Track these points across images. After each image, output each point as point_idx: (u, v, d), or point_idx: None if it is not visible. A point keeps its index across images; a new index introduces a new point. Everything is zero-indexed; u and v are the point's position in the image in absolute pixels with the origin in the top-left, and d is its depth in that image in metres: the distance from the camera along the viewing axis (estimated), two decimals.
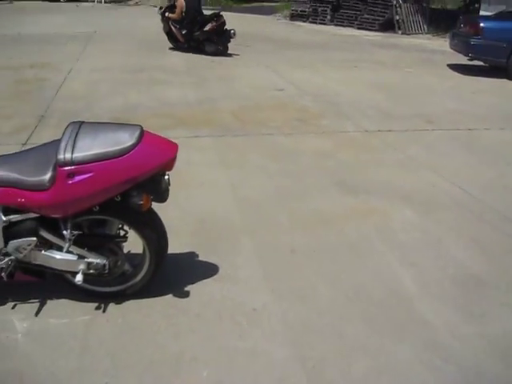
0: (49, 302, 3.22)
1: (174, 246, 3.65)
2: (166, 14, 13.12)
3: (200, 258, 3.72)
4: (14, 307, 3.17)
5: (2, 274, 2.94)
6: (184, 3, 12.77)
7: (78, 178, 2.65)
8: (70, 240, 2.88)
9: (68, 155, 2.64)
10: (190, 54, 12.60)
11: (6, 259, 2.94)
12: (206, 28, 12.61)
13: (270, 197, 4.74)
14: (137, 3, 32.19)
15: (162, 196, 2.93)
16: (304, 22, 21.64)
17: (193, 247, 3.83)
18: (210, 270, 3.58)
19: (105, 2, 32.35)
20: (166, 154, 2.83)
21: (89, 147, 2.67)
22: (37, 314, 3.11)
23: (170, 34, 13.44)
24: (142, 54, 12.56)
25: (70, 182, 2.66)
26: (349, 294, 3.39)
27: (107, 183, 2.69)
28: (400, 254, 3.87)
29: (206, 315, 3.14)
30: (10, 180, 2.77)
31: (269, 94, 8.68)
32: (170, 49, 13.33)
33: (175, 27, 12.99)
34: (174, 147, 2.88)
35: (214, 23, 12.60)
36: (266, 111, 7.56)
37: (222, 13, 13.34)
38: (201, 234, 4.10)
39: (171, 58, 12.02)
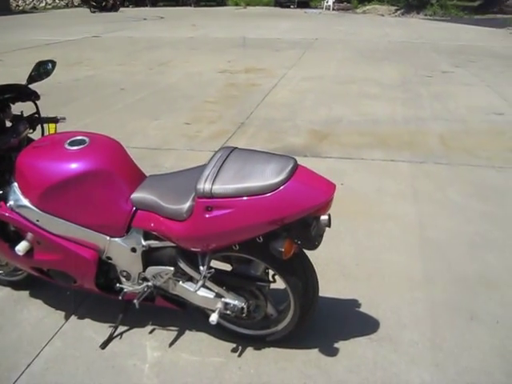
0: (187, 333, 3.04)
1: (338, 290, 3.35)
2: None
3: (361, 309, 3.26)
4: (151, 332, 3.06)
5: (136, 299, 2.81)
6: None
7: (215, 213, 2.35)
8: (205, 277, 2.62)
9: (208, 186, 2.34)
10: (404, 67, 11.94)
11: (144, 284, 2.82)
12: None
13: (460, 243, 4.07)
14: (364, 12, 31.99)
15: (311, 243, 2.46)
16: None
17: (359, 295, 3.39)
18: (368, 327, 3.10)
19: (333, 10, 32.60)
20: (320, 196, 2.34)
21: (231, 180, 2.34)
22: (171, 344, 2.96)
23: None
24: (358, 64, 12.29)
25: (208, 215, 2.37)
26: None
27: (247, 222, 2.34)
28: None
29: None
30: (149, 203, 2.59)
31: (485, 117, 7.77)
32: (386, 60, 12.83)
33: None
34: (330, 188, 2.39)
35: None
36: (477, 137, 6.74)
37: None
38: (372, 282, 3.59)
39: (387, 71, 11.48)
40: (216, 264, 2.78)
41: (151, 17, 27.95)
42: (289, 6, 36.10)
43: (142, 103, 8.53)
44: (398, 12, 31.08)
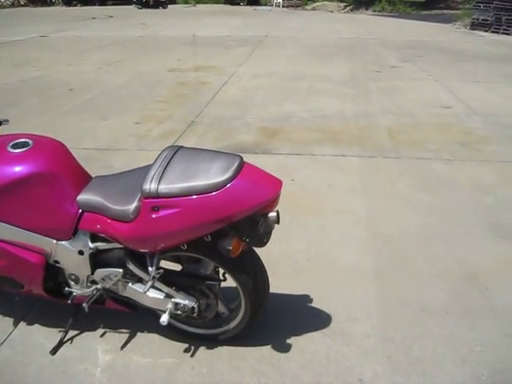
0: (139, 334, 3.01)
1: (289, 287, 3.36)
2: None
3: (313, 305, 3.28)
4: (103, 335, 3.01)
5: (85, 302, 2.76)
6: None
7: (162, 213, 2.33)
8: (154, 277, 2.59)
9: (153, 186, 2.32)
10: (354, 62, 12.10)
11: (93, 287, 2.77)
12: None
13: (410, 236, 4.14)
14: (314, 8, 32.23)
15: (259, 240, 2.45)
16: (485, 31, 20.06)
17: (311, 290, 3.40)
18: (320, 322, 3.12)
19: (283, 7, 32.74)
20: (266, 193, 2.35)
21: (177, 179, 2.33)
22: (123, 347, 2.91)
23: None
24: (308, 61, 12.39)
25: (154, 216, 2.35)
26: None
27: (194, 221, 2.32)
28: None
29: (303, 379, 2.70)
30: (96, 205, 2.55)
31: (433, 110, 7.93)
32: (336, 56, 12.96)
33: None
34: (276, 185, 2.39)
35: None
36: (425, 131, 6.88)
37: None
38: (324, 277, 3.61)
39: (337, 67, 11.61)
40: (166, 264, 2.76)
41: (100, 16, 27.54)
42: (239, 4, 36.11)
43: (91, 103, 8.39)
44: (347, 8, 31.49)
